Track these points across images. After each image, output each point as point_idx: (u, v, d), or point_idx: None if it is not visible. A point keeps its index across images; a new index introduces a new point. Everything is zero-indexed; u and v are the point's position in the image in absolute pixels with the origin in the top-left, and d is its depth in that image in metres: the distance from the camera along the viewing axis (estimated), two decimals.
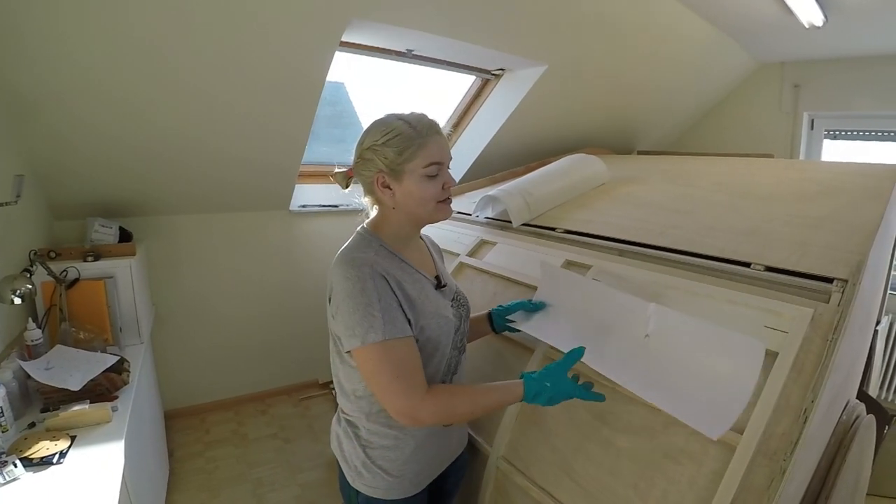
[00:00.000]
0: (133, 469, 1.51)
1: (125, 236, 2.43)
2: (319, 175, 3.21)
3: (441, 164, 1.07)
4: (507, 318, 1.40)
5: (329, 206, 3.24)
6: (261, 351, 3.27)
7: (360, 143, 1.09)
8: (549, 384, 1.05)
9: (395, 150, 1.03)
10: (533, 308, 1.41)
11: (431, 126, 1.07)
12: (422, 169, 1.04)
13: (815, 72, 3.50)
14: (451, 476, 1.29)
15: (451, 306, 1.18)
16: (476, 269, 1.86)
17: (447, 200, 1.11)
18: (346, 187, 1.17)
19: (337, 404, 1.20)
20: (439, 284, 1.18)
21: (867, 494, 1.44)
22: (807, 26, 2.67)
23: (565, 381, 1.06)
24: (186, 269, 2.93)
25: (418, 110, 1.10)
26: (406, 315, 1.02)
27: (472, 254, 1.99)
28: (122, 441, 1.44)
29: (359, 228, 1.14)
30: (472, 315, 1.33)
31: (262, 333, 3.25)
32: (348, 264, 1.01)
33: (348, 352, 1.03)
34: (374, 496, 1.13)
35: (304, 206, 3.17)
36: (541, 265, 1.51)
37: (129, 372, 1.84)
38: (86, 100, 1.88)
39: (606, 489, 1.14)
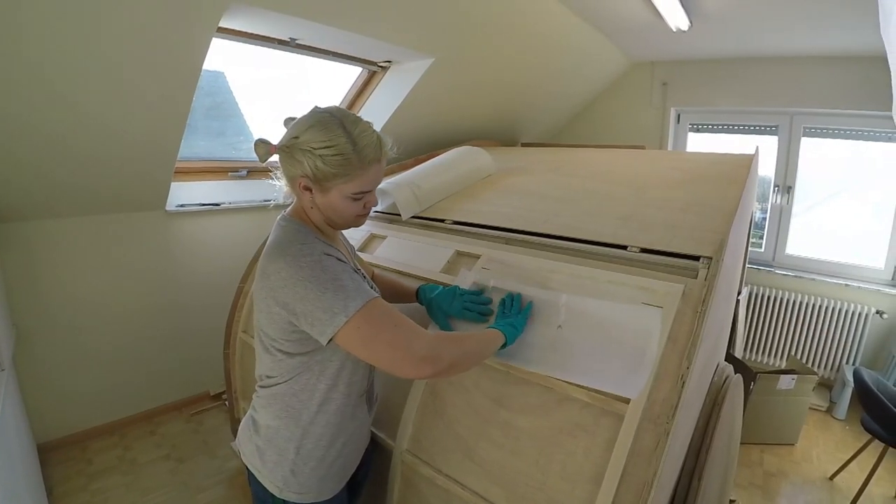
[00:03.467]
0: None
1: None
2: (198, 171, 2.95)
3: (371, 189, 1.06)
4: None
5: (210, 204, 2.97)
6: (145, 366, 2.98)
7: (296, 136, 1.00)
8: (516, 327, 1.23)
9: (331, 170, 0.98)
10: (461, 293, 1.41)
11: (376, 152, 1.02)
12: (351, 193, 1.02)
13: (682, 71, 3.85)
14: (363, 466, 1.29)
15: None
16: (367, 263, 1.84)
17: (365, 214, 1.11)
18: (264, 161, 1.08)
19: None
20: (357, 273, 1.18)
21: (740, 443, 1.61)
22: (674, 30, 2.93)
23: (521, 320, 1.27)
24: (52, 281, 2.59)
25: (368, 119, 1.06)
26: None
27: (362, 248, 1.96)
28: None
29: (282, 221, 1.08)
30: (399, 282, 1.50)
31: (144, 347, 2.95)
32: (296, 255, 0.97)
33: (331, 339, 0.95)
34: (307, 502, 1.10)
35: (182, 206, 2.90)
36: (460, 274, 1.55)
37: None
38: None
39: (509, 468, 1.17)
